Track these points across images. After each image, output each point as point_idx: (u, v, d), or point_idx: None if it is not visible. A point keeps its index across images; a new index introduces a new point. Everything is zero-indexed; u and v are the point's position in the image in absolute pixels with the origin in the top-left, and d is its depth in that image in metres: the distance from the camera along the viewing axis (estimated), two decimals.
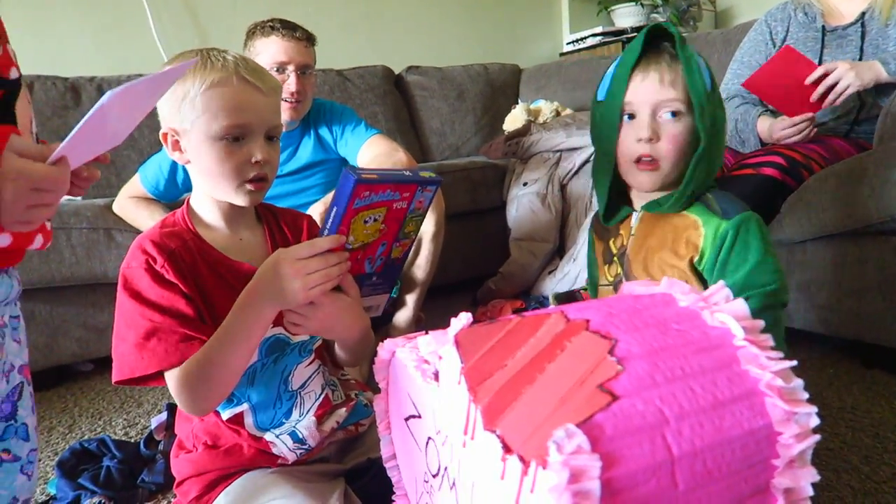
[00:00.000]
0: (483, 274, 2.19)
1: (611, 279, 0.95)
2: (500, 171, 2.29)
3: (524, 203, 2.12)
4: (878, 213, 1.29)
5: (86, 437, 1.35)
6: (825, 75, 1.47)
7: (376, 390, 0.73)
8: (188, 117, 0.79)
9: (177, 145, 0.82)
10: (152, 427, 1.26)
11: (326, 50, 2.03)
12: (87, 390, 1.65)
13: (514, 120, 2.51)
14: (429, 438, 0.60)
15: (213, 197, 0.84)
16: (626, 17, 3.18)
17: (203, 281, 0.81)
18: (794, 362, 0.51)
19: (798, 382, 0.51)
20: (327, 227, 0.74)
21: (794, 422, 0.49)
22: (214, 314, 0.81)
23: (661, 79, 0.83)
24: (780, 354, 0.52)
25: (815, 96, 1.48)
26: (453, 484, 0.56)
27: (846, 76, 1.45)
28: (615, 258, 0.94)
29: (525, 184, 2.15)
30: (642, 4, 3.13)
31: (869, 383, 1.37)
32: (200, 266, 0.81)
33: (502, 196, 2.25)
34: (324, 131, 1.69)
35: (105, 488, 1.07)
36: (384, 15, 2.97)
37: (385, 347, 0.67)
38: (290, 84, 1.55)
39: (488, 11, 3.25)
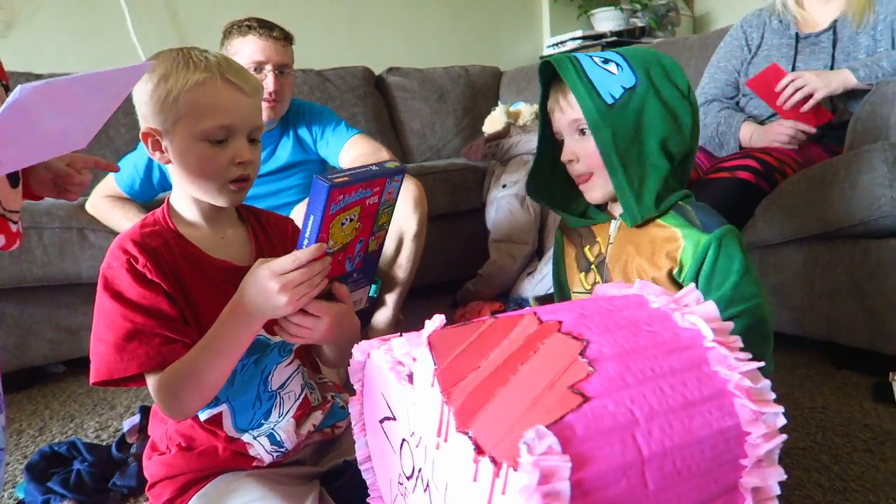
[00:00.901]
0: (462, 276, 2.19)
1: (588, 287, 0.95)
2: (480, 173, 2.29)
3: (503, 205, 2.13)
4: (848, 217, 1.31)
5: (56, 440, 1.33)
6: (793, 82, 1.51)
7: (353, 393, 0.73)
8: (170, 118, 0.78)
9: (157, 145, 0.81)
10: (124, 430, 1.24)
11: (306, 50, 2.01)
12: (58, 392, 1.62)
13: (494, 122, 2.51)
14: (403, 440, 0.60)
15: (193, 197, 0.84)
16: (606, 21, 3.20)
17: (185, 280, 0.80)
18: (762, 363, 0.52)
19: (766, 383, 0.51)
20: (306, 236, 0.74)
21: (762, 422, 0.50)
22: (197, 313, 0.80)
23: (564, 103, 0.87)
24: (749, 356, 0.52)
25: (780, 100, 1.52)
26: (427, 486, 0.56)
27: (811, 82, 1.49)
28: (593, 266, 0.94)
29: (504, 186, 2.15)
30: (622, 9, 3.17)
31: (839, 383, 1.39)
32: (182, 265, 0.81)
33: (482, 198, 2.26)
34: (303, 132, 1.68)
35: (75, 492, 1.05)
36: (364, 15, 2.96)
37: (360, 349, 0.67)
38: (267, 84, 1.54)
39: (469, 13, 3.26)
